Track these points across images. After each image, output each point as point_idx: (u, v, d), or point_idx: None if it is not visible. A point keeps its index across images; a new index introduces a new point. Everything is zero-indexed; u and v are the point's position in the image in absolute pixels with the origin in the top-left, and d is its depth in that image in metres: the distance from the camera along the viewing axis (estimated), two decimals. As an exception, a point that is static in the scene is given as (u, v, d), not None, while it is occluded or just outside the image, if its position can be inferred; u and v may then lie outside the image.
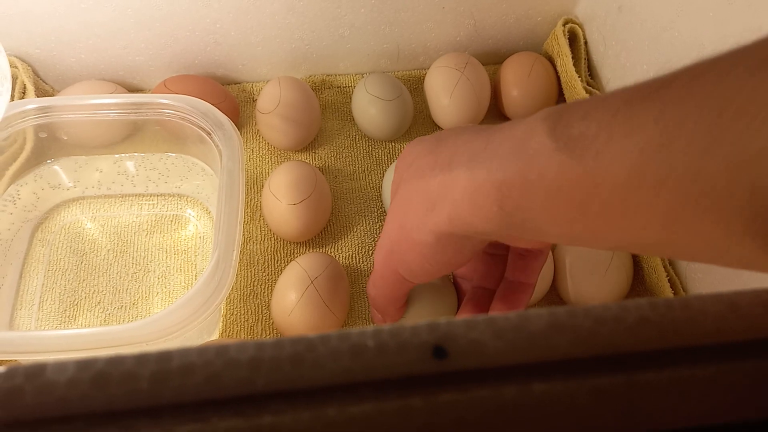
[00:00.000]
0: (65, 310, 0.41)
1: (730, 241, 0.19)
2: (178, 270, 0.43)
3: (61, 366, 0.15)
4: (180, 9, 0.47)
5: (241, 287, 0.43)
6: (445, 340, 0.15)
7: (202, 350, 0.15)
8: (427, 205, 0.28)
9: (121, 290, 0.42)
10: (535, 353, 0.16)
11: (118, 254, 0.44)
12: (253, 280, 0.43)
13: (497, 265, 0.35)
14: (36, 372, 0.15)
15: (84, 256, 0.43)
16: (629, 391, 0.16)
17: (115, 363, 0.15)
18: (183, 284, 0.43)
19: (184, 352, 0.15)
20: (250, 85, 0.54)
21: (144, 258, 0.44)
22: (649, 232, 0.21)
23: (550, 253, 0.43)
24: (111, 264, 0.43)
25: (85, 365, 0.15)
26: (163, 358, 0.15)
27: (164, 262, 0.43)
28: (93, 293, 0.42)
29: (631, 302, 0.16)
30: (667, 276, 0.42)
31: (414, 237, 0.29)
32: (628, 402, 0.16)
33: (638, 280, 0.44)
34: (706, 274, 0.40)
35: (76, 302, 0.42)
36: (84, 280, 0.43)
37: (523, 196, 0.24)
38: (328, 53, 0.53)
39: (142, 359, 0.15)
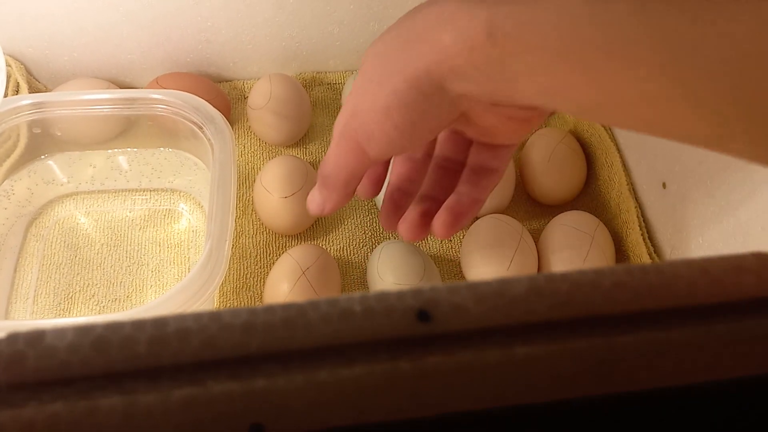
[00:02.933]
0: (59, 303, 0.42)
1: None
2: (172, 263, 0.44)
3: (59, 332, 0.15)
4: (172, 8, 0.47)
5: (234, 280, 0.43)
6: (428, 304, 0.16)
7: (197, 316, 0.16)
8: (408, 44, 0.26)
9: (115, 283, 0.43)
10: (516, 317, 0.16)
11: (112, 248, 0.44)
12: (245, 273, 0.44)
13: (449, 177, 0.33)
14: (36, 338, 0.15)
15: (78, 251, 0.44)
16: (607, 352, 0.16)
17: (114, 328, 0.15)
18: (176, 277, 0.43)
19: (179, 318, 0.16)
20: (242, 83, 0.54)
21: (137, 252, 0.44)
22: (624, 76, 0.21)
23: (534, 244, 0.44)
24: (105, 258, 0.44)
25: (84, 331, 0.15)
26: (160, 323, 0.15)
27: (157, 256, 0.44)
28: (87, 286, 0.43)
29: (607, 268, 0.17)
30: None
31: (384, 86, 0.26)
32: (607, 364, 0.16)
33: (624, 269, 0.45)
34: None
35: (70, 295, 0.42)
36: (78, 273, 0.43)
37: (517, 26, 0.23)
38: (317, 50, 0.53)
39: (139, 325, 0.15)
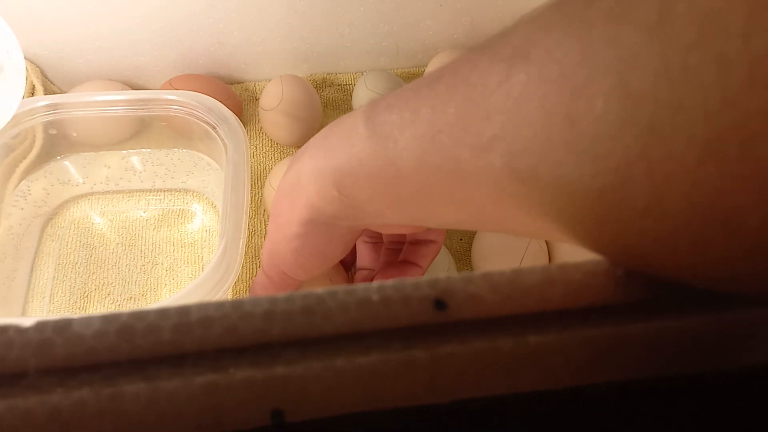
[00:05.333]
0: (75, 302, 0.42)
1: (503, 211, 0.20)
2: (185, 262, 0.44)
3: (86, 320, 0.16)
4: (185, 11, 0.48)
5: (247, 279, 0.44)
6: (445, 293, 0.16)
7: (219, 305, 0.16)
8: (290, 197, 0.29)
9: (129, 282, 0.43)
10: (529, 306, 0.17)
11: (127, 248, 0.45)
12: (257, 271, 0.44)
13: (397, 255, 0.36)
14: (64, 325, 0.16)
15: (93, 250, 0.45)
16: (618, 341, 0.16)
17: (139, 316, 0.16)
18: (190, 276, 0.44)
19: (202, 307, 0.16)
20: (253, 84, 0.55)
21: (152, 251, 0.45)
22: (448, 211, 0.23)
23: (545, 244, 0.44)
24: (120, 257, 0.44)
25: (109, 319, 0.16)
26: (183, 311, 0.16)
27: (171, 255, 0.45)
28: (102, 285, 0.43)
29: (619, 258, 0.17)
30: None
31: (286, 231, 0.30)
32: (617, 352, 0.17)
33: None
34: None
35: (86, 294, 0.43)
36: (93, 273, 0.44)
37: (353, 182, 0.25)
38: (328, 52, 0.54)
39: (163, 313, 0.16)
